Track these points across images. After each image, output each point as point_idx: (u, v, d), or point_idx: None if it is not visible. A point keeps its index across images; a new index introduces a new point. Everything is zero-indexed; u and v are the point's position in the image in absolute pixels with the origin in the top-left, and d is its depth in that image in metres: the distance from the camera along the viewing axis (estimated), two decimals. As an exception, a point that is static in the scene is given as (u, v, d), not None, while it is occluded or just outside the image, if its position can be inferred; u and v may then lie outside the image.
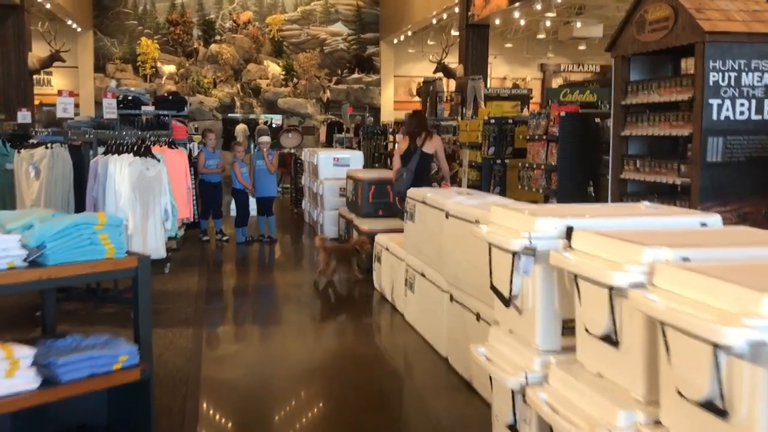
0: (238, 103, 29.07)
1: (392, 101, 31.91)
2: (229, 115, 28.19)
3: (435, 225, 5.63)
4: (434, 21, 26.22)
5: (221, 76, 29.17)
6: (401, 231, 8.41)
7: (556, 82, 33.16)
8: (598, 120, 9.36)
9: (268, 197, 10.66)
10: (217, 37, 29.82)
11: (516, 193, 10.96)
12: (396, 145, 8.80)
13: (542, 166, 9.34)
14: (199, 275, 8.53)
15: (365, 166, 12.15)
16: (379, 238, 7.61)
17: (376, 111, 30.69)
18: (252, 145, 27.98)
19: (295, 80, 29.22)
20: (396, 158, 8.35)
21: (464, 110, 18.27)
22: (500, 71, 32.27)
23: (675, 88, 6.95)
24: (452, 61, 23.56)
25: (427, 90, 18.59)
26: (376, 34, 31.54)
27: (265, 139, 10.94)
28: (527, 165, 9.81)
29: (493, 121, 11.12)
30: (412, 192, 6.48)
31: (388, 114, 30.16)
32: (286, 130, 17.72)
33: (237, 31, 29.99)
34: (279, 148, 18.05)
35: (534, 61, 33.31)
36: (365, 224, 8.64)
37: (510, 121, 11.21)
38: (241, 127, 27.41)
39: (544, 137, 9.31)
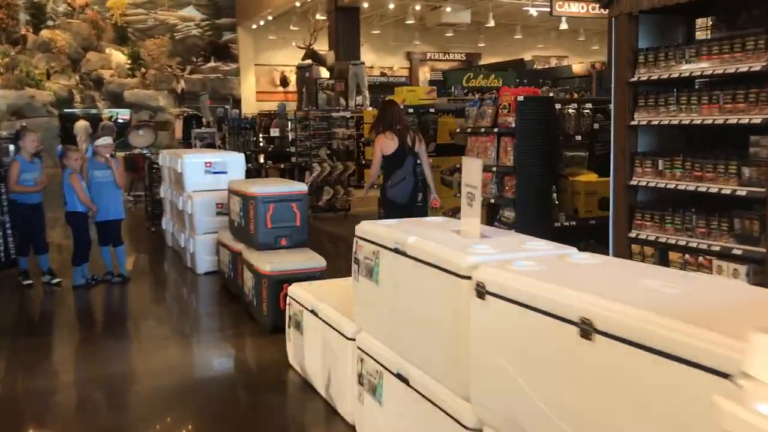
0: (77, 97, 24.90)
1: (254, 92, 28.72)
2: (66, 110, 23.96)
3: (443, 303, 2.95)
4: (297, 4, 23.34)
5: (56, 67, 24.85)
6: (323, 271, 5.70)
7: (423, 71, 31.21)
8: (559, 106, 7.01)
9: (114, 220, 7.47)
10: (50, 23, 25.44)
11: (446, 203, 8.50)
12: (376, 144, 6.91)
13: (493, 168, 6.85)
14: (9, 357, 5.34)
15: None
16: (298, 292, 4.79)
17: (237, 102, 27.40)
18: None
19: (143, 70, 25.38)
20: (377, 157, 6.76)
21: (347, 100, 15.62)
22: (367, 59, 29.61)
23: (728, 56, 4.63)
24: (321, 49, 20.89)
25: (303, 77, 15.78)
26: (233, 20, 28.23)
27: (105, 141, 7.64)
28: (468, 166, 7.29)
29: (410, 110, 8.53)
30: (366, 228, 3.74)
31: (251, 106, 27.02)
32: (136, 126, 14.28)
33: (73, 16, 25.73)
34: (128, 148, 14.63)
35: (401, 49, 31.15)
36: (265, 261, 5.76)
37: (431, 110, 8.66)
38: (81, 125, 23.36)
39: (495, 130, 6.81)
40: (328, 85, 15.63)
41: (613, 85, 5.49)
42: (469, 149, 7.31)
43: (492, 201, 6.95)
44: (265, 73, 29.16)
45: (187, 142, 21.28)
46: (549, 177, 6.79)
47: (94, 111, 24.26)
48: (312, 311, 4.49)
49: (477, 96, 8.02)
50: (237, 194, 6.55)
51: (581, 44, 30.41)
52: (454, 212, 9.03)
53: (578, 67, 17.08)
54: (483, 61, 30.87)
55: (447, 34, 29.71)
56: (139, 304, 7.12)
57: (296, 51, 21.38)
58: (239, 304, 6.51)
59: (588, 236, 7.27)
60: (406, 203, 6.70)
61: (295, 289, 4.86)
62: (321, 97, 14.75)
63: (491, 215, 7.23)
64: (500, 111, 6.82)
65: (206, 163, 8.11)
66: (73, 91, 24.76)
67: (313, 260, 5.82)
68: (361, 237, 3.75)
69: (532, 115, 6.60)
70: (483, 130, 6.94)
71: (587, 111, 7.10)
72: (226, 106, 20.86)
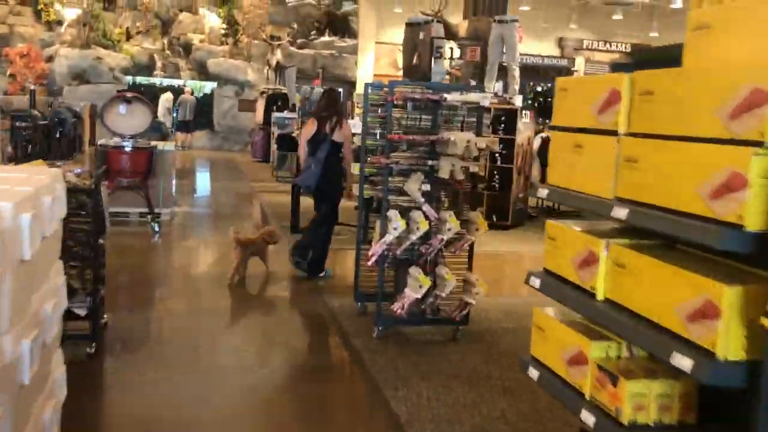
0: (159, 64, 18.85)
1: (372, 74, 21.85)
2: (138, 79, 17.91)
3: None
4: (431, -38, 16.09)
5: (140, 27, 18.92)
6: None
7: (577, 63, 23.16)
8: None
9: None
10: (146, -23, 19.57)
11: None
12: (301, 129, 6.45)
13: None
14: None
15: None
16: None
17: (350, 86, 20.63)
18: (172, 122, 17.98)
19: (238, 36, 18.98)
20: (302, 145, 5.93)
21: (485, 79, 8.29)
22: (510, 44, 22.09)
23: None
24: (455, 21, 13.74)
25: (414, 37, 8.59)
26: (355, -13, 21.40)
27: None
28: None
29: None
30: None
31: (365, 90, 20.15)
32: (121, 97, 7.51)
33: (172, -29, 19.78)
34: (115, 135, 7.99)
35: (552, 34, 23.10)
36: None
37: None
38: (165, 97, 17.37)
39: None
40: (456, 51, 8.32)
41: None
42: None
43: None
44: (387, 52, 22.07)
45: (266, 126, 14.84)
46: None
47: (179, 82, 18.11)
48: None
49: None
50: None
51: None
52: None
53: None
54: (651, 56, 22.40)
55: (614, 17, 21.45)
56: None
57: (422, 20, 14.34)
58: None
59: None
60: (312, 191, 5.80)
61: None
62: (440, 69, 7.65)
63: None
64: None
65: None
66: (155, 56, 18.74)
67: None
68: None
69: None
70: None
71: None
72: (315, 86, 14.00)
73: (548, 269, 2.07)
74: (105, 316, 4.45)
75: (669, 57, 1.85)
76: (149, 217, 7.62)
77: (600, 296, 1.83)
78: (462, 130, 4.38)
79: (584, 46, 23.64)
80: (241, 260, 5.63)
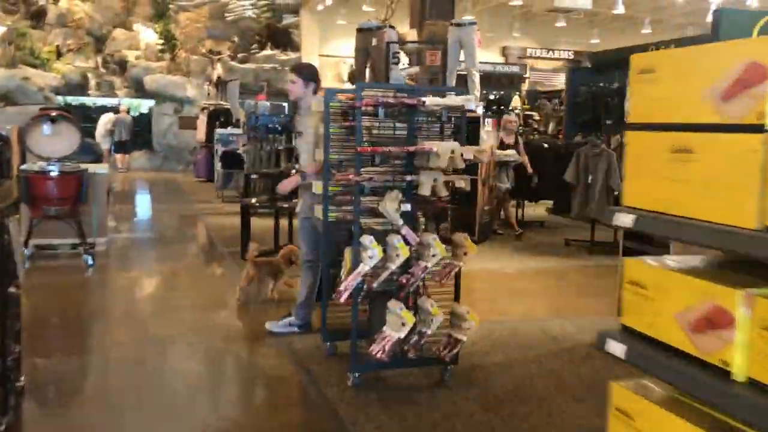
0: (93, 82, 17.68)
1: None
2: (69, 99, 16.71)
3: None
4: (374, -29, 15.62)
5: (71, 45, 17.74)
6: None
7: (528, 70, 22.93)
8: None
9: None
10: (76, -7, 18.39)
11: None
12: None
13: None
14: None
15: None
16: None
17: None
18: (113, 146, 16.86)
19: (176, 51, 17.98)
20: None
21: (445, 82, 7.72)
22: (455, 53, 21.71)
23: None
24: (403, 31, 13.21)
25: (366, 44, 7.95)
26: (296, 0, 20.67)
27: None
28: None
29: None
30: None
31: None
32: (44, 116, 6.60)
33: (103, -15, 18.63)
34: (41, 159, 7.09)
35: (495, 44, 22.85)
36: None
37: None
38: (106, 119, 16.29)
39: None
40: (415, 55, 7.72)
41: None
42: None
43: None
44: (332, 65, 21.49)
45: (209, 144, 13.97)
46: None
47: (114, 101, 17.01)
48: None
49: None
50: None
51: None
52: None
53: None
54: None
55: (557, 24, 21.30)
56: None
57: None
58: None
59: None
60: None
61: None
62: (398, 75, 7.04)
63: None
64: None
65: None
66: (88, 75, 17.57)
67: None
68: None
69: None
70: None
71: None
72: (257, 101, 13.21)
73: (632, 328, 1.43)
74: (22, 378, 3.62)
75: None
76: (82, 248, 6.72)
77: (739, 376, 1.21)
78: (429, 139, 3.73)
79: (528, 54, 23.51)
80: (251, 280, 5.36)
